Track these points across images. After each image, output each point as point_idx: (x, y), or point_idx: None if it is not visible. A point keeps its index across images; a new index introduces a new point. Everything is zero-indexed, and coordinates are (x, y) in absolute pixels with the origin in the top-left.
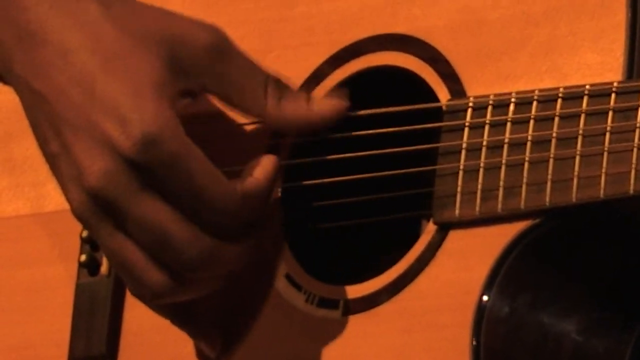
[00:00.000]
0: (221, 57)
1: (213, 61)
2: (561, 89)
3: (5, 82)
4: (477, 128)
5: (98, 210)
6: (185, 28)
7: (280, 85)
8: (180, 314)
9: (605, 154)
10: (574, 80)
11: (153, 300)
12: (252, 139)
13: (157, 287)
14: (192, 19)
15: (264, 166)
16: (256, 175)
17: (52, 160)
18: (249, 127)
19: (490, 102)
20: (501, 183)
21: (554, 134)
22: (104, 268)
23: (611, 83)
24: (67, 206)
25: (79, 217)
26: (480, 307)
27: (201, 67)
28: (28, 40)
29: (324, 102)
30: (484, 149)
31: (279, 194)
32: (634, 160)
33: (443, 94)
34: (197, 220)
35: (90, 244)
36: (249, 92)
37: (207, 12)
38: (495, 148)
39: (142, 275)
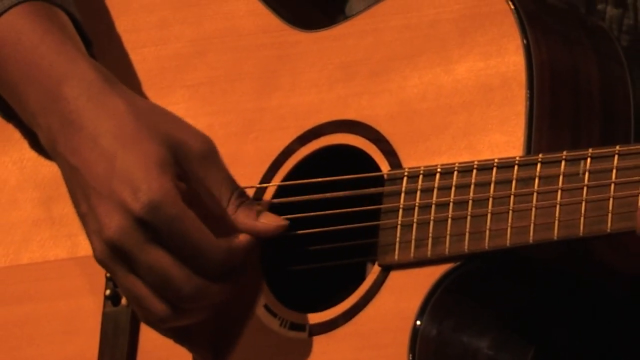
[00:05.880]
0: (206, 165)
1: (199, 167)
2: (476, 162)
3: (50, 157)
4: (411, 193)
5: (114, 257)
6: (185, 135)
7: (242, 197)
8: (180, 335)
9: (511, 212)
10: (486, 155)
11: (159, 325)
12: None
13: (161, 315)
14: (193, 128)
15: (246, 234)
16: (240, 238)
17: (82, 218)
18: None
19: (421, 172)
20: (430, 234)
21: (471, 197)
22: (124, 300)
23: (514, 157)
24: None
25: (100, 262)
26: (415, 330)
27: (189, 170)
28: (68, 126)
29: (271, 218)
30: (416, 209)
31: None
32: (532, 218)
33: (384, 166)
34: (190, 265)
35: (113, 282)
36: (217, 197)
37: (202, 102)
38: (425, 208)
39: (149, 306)
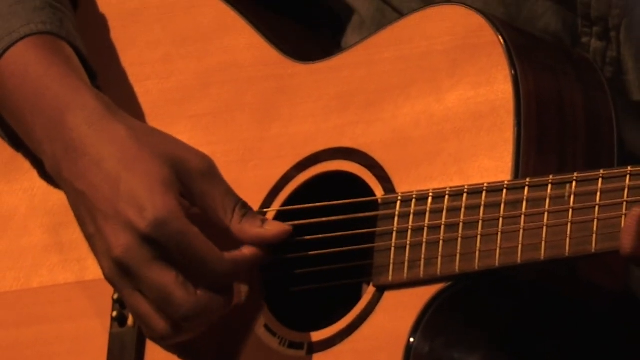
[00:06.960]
0: (208, 181)
1: (201, 183)
2: (466, 187)
3: (58, 185)
4: (404, 216)
5: (121, 275)
6: (185, 153)
7: (245, 208)
8: (183, 351)
9: (499, 234)
10: (475, 180)
11: (160, 341)
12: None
13: (162, 332)
14: (192, 147)
15: (251, 247)
16: (244, 251)
17: (89, 239)
18: None
19: (414, 196)
20: (422, 256)
21: (461, 220)
22: (130, 321)
23: (503, 182)
24: (102, 276)
25: (108, 280)
26: (408, 347)
27: (192, 186)
28: (72, 152)
29: (275, 225)
30: (409, 231)
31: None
32: (520, 239)
33: (378, 191)
34: (194, 279)
35: (120, 303)
36: (221, 210)
37: (205, 132)
38: (417, 230)
39: (151, 323)
